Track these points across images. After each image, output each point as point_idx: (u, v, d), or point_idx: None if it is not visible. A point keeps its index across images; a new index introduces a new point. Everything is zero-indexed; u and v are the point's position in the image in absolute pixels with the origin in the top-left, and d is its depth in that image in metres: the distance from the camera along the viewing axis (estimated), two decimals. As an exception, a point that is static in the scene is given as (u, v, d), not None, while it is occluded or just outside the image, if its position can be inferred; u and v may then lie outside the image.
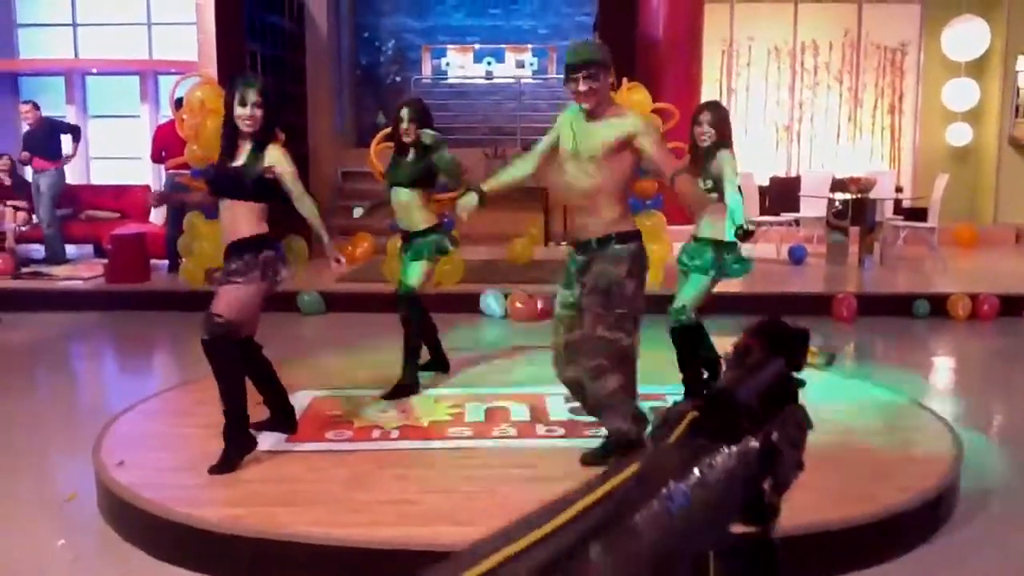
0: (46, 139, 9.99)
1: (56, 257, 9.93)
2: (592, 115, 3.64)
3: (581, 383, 3.77)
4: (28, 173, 10.44)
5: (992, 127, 12.62)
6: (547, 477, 3.70)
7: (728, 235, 4.30)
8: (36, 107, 10.06)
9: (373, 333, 6.92)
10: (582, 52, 3.61)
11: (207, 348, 3.81)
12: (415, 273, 4.96)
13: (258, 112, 3.81)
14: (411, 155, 4.96)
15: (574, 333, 3.73)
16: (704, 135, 4.53)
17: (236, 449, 3.81)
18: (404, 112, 4.93)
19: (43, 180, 9.91)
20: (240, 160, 3.86)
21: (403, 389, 4.82)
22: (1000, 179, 12.58)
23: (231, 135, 3.89)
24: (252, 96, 3.80)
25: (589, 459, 3.80)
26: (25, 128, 10.08)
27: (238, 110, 3.81)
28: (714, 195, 4.44)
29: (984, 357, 7.09)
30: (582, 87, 3.56)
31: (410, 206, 4.95)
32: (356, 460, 3.92)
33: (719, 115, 4.61)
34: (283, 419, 4.18)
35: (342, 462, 3.91)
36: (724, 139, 4.55)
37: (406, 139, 4.93)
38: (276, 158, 3.85)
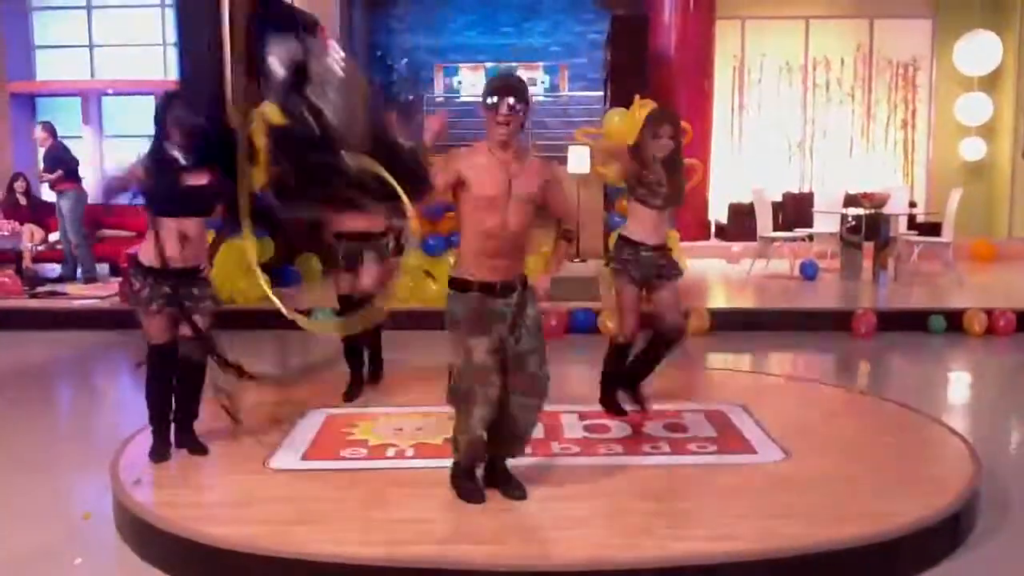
0: (65, 160, 10.06)
1: (89, 275, 9.98)
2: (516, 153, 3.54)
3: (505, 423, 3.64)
4: (44, 193, 10.53)
5: (1006, 141, 12.59)
6: (563, 495, 3.70)
7: None
8: (50, 132, 10.11)
9: (387, 350, 6.93)
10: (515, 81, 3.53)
11: (201, 369, 4.22)
12: None
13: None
14: None
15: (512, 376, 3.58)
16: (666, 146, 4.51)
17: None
18: None
19: (64, 201, 9.97)
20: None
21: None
22: (1015, 193, 12.54)
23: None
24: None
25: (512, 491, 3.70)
26: (41, 151, 10.12)
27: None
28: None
29: (1001, 373, 7.04)
30: (508, 113, 3.42)
31: None
32: (372, 478, 3.92)
33: (678, 127, 4.60)
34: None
35: (358, 480, 3.91)
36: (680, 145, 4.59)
37: None
38: None
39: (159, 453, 4.16)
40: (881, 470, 3.99)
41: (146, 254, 4.07)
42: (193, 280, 4.11)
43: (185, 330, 4.14)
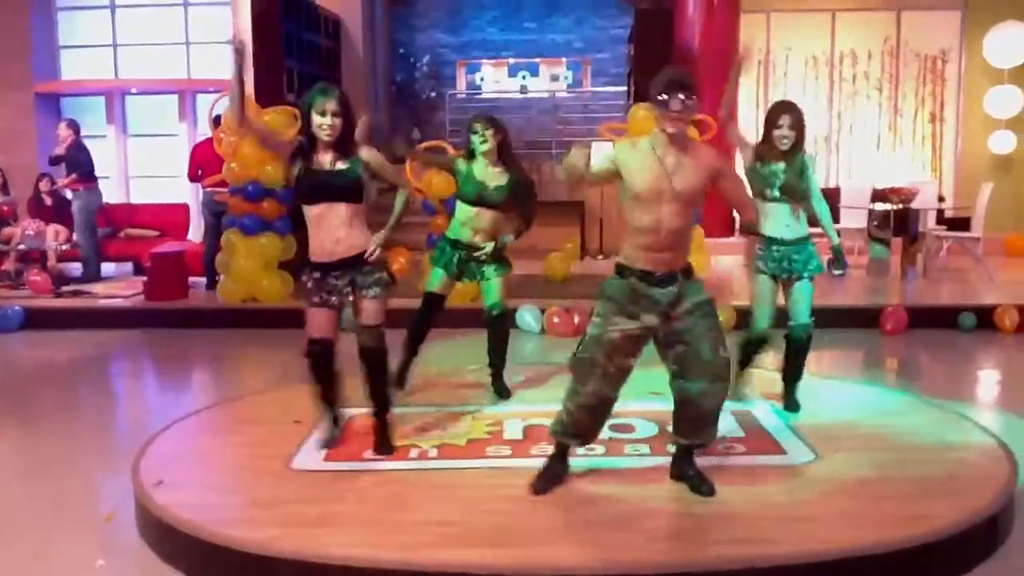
0: (81, 160, 10.08)
1: (91, 276, 10.02)
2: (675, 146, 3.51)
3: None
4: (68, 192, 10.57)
5: (1037, 135, 12.38)
6: (588, 498, 3.64)
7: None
8: (74, 130, 10.13)
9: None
10: (684, 76, 3.50)
11: (378, 356, 4.10)
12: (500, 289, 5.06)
13: (337, 121, 3.87)
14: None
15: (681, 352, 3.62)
16: (784, 138, 4.52)
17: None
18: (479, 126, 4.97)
19: (76, 201, 10.02)
20: (336, 166, 3.93)
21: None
22: (1046, 187, 12.33)
23: (310, 145, 3.94)
24: (331, 105, 3.86)
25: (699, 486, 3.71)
26: (61, 149, 10.11)
27: (316, 119, 3.86)
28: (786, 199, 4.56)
29: (1034, 370, 6.91)
30: (679, 107, 3.40)
31: (497, 221, 4.96)
32: (395, 480, 3.88)
33: (797, 116, 4.56)
34: None
35: (381, 482, 3.86)
36: (802, 143, 4.57)
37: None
38: (370, 155, 3.96)
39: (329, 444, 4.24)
40: (914, 471, 3.89)
41: (310, 249, 4.04)
42: (356, 268, 3.99)
43: (358, 319, 4.07)
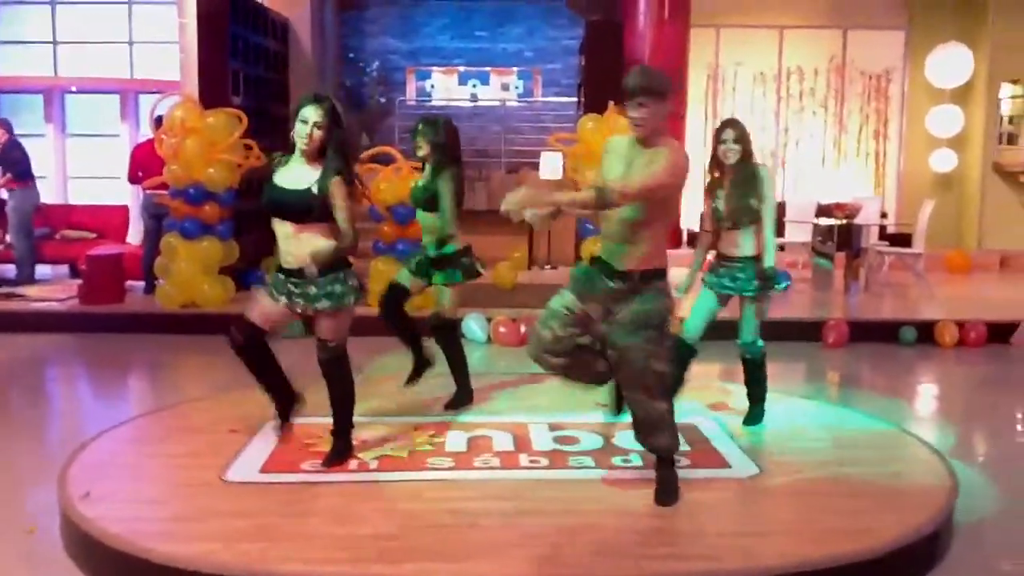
0: (15, 159, 9.78)
1: (25, 278, 9.71)
2: (643, 143, 3.55)
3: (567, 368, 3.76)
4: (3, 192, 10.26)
5: (976, 153, 12.66)
6: (531, 510, 3.57)
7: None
8: (6, 128, 9.84)
9: (352, 357, 6.79)
10: (637, 78, 3.50)
11: (329, 369, 4.05)
12: (450, 298, 4.97)
13: (317, 133, 3.80)
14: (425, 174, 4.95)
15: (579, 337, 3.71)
16: (729, 151, 4.52)
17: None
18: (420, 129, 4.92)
19: (11, 200, 9.72)
20: (296, 178, 3.85)
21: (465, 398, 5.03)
22: (984, 205, 12.60)
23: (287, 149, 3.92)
24: (315, 115, 3.78)
25: (662, 499, 3.67)
26: None
27: (298, 125, 3.81)
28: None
29: (972, 385, 7.01)
30: (637, 112, 3.47)
31: (434, 224, 4.87)
32: (334, 492, 3.77)
33: (740, 130, 4.56)
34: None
35: (319, 494, 3.76)
36: (749, 156, 4.56)
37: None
38: (335, 193, 3.82)
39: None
40: (856, 486, 3.90)
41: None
42: (309, 280, 3.90)
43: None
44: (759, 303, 4.69)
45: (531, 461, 4.12)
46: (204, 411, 5.00)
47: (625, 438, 4.43)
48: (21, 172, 9.73)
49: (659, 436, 3.69)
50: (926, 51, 12.48)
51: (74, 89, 12.77)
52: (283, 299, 3.96)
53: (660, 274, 3.63)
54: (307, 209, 3.82)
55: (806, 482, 3.92)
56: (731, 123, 4.59)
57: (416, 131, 4.94)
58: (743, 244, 4.62)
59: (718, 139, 4.57)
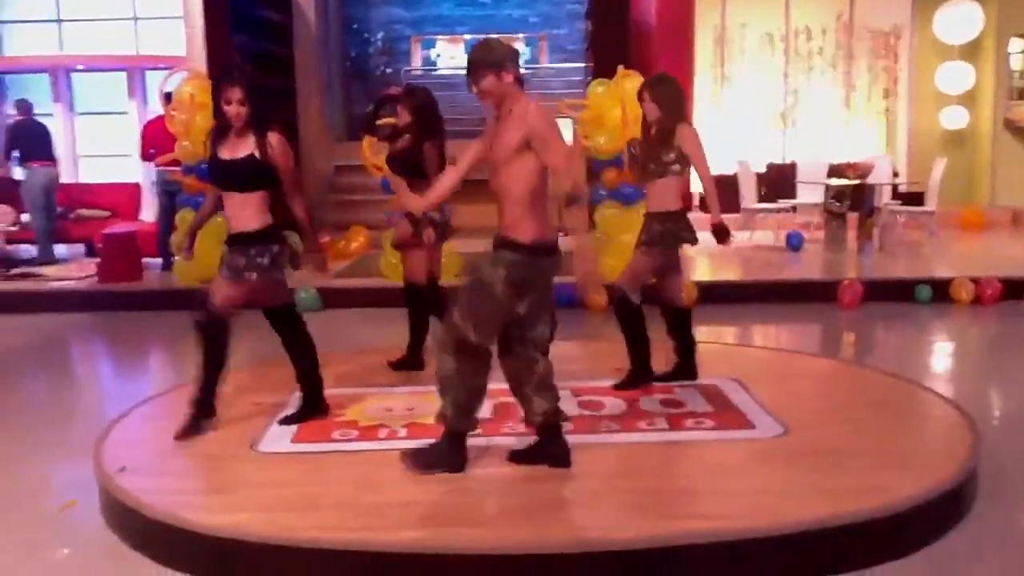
0: (36, 138, 9.82)
1: (44, 257, 9.77)
2: (499, 115, 3.55)
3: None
4: (16, 173, 10.30)
5: (987, 110, 12.59)
6: (557, 475, 3.62)
7: None
8: (24, 109, 9.87)
9: (372, 329, 6.85)
10: (471, 54, 3.55)
11: (201, 330, 4.13)
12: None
13: (243, 109, 3.99)
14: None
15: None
16: (649, 110, 4.59)
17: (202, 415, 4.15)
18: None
19: (29, 177, 9.74)
20: (241, 152, 4.02)
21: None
22: (996, 162, 12.56)
23: (222, 129, 4.08)
24: (236, 94, 3.97)
25: (409, 459, 3.66)
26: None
27: (225, 108, 4.00)
28: (676, 167, 4.55)
29: (991, 341, 7.04)
30: (473, 89, 3.52)
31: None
32: (363, 461, 3.83)
33: (661, 90, 4.58)
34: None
35: (348, 463, 3.81)
36: (673, 113, 4.55)
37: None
38: (277, 150, 4.03)
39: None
40: (879, 443, 3.93)
41: None
42: (245, 245, 4.09)
43: None
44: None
45: (557, 426, 4.16)
46: (229, 385, 5.03)
47: (649, 402, 4.48)
48: (39, 150, 9.75)
49: (442, 397, 3.61)
50: (934, 7, 12.38)
51: (80, 67, 12.74)
52: (227, 272, 4.09)
53: (511, 245, 3.48)
54: (247, 178, 4.01)
55: (831, 440, 3.95)
56: (649, 82, 4.66)
57: (398, 100, 5.13)
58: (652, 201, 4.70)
59: (639, 98, 4.65)
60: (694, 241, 4.65)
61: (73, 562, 3.44)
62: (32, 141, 9.78)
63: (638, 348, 4.72)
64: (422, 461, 3.61)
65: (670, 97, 4.58)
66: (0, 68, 12.68)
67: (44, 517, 3.80)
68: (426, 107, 5.05)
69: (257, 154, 4.00)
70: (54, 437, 4.88)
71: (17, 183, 10.10)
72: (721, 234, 4.62)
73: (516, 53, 3.59)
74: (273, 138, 4.02)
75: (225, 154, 4.06)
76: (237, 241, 4.06)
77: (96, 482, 3.76)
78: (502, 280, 3.47)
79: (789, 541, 3.14)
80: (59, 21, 12.97)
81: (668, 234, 4.59)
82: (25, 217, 10.14)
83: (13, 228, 10.03)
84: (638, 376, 4.72)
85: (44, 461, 4.52)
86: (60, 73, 12.66)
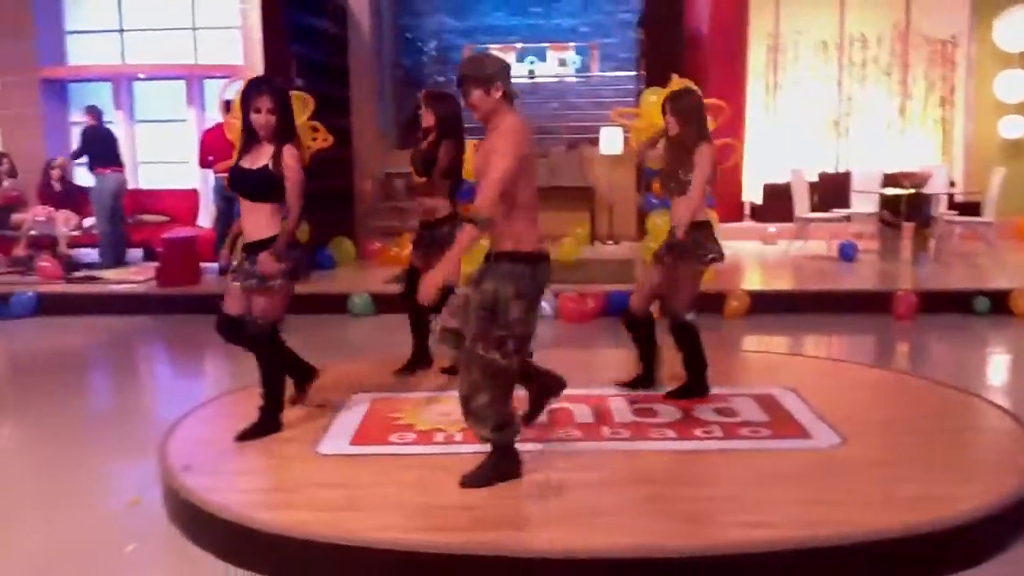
0: (107, 144, 10.09)
1: (107, 262, 10.00)
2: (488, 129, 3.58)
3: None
4: (76, 176, 10.58)
5: (1047, 119, 12.34)
6: (615, 480, 3.64)
7: None
8: (94, 115, 10.15)
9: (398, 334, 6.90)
10: (462, 68, 3.57)
11: (252, 345, 4.21)
12: None
13: (271, 118, 4.02)
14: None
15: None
16: (669, 125, 4.58)
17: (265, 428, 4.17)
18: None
19: (97, 183, 9.99)
20: (261, 162, 4.06)
21: None
22: (1056, 172, 12.28)
23: (248, 139, 4.13)
24: (265, 103, 4.00)
25: (468, 480, 3.62)
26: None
27: (253, 116, 4.03)
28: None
29: (1050, 354, 6.92)
30: (463, 102, 3.57)
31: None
32: (422, 464, 3.88)
33: (679, 104, 4.56)
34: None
35: (406, 466, 3.86)
36: (693, 128, 4.51)
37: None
38: (288, 164, 4.04)
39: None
40: (939, 454, 3.89)
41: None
42: (250, 256, 4.15)
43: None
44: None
45: (613, 433, 4.19)
46: (288, 388, 5.13)
47: (703, 411, 4.48)
48: (109, 156, 10.02)
49: (474, 422, 3.58)
50: (993, 14, 12.17)
51: (141, 76, 13.03)
52: (238, 278, 4.16)
53: (511, 256, 3.51)
54: (264, 188, 4.05)
55: (889, 451, 3.92)
56: (668, 97, 4.64)
57: (422, 103, 5.10)
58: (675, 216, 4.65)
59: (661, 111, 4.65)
60: (715, 257, 4.57)
61: (139, 557, 3.54)
62: (103, 146, 10.06)
63: (695, 362, 4.69)
64: (482, 481, 3.61)
65: (689, 111, 4.55)
66: (65, 77, 13.00)
67: (111, 513, 3.91)
68: (449, 112, 5.00)
69: (271, 165, 4.03)
70: (117, 436, 5.01)
71: (80, 188, 10.35)
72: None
73: (507, 68, 3.60)
74: (287, 152, 4.03)
75: (246, 163, 4.11)
76: (251, 249, 4.13)
77: (160, 480, 3.86)
78: (514, 297, 3.48)
79: (844, 551, 3.13)
80: (121, 31, 13.28)
81: (690, 246, 4.54)
82: (88, 221, 10.39)
83: (76, 232, 10.29)
84: (692, 389, 4.70)
85: (109, 459, 4.65)
86: (122, 82, 12.96)
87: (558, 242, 9.69)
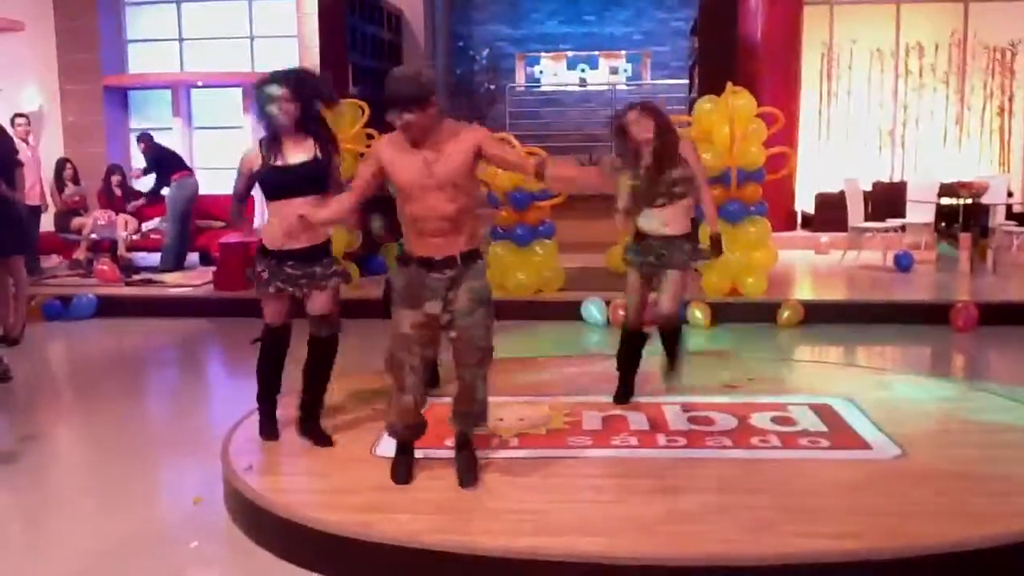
0: (173, 157, 10.40)
1: (167, 265, 10.19)
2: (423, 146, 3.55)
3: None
4: (143, 185, 10.88)
5: (1109, 128, 12.08)
6: (674, 488, 3.64)
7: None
8: (146, 140, 10.47)
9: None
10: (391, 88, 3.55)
11: (331, 344, 4.27)
12: None
13: (290, 106, 3.91)
14: None
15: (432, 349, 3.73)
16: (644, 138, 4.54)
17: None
18: None
19: (171, 189, 10.26)
20: (299, 157, 3.97)
21: None
22: (1119, 183, 12.02)
23: (274, 136, 4.01)
24: (276, 91, 3.89)
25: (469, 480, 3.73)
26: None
27: (271, 109, 3.92)
28: (678, 189, 4.53)
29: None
30: (397, 121, 3.50)
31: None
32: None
33: (658, 115, 4.57)
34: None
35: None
36: (669, 135, 4.53)
37: None
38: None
39: (266, 432, 4.29)
40: (1003, 467, 3.83)
41: (267, 237, 4.10)
42: (315, 259, 4.11)
43: (311, 309, 4.18)
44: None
45: (669, 440, 4.18)
46: (341, 391, 5.19)
47: (761, 419, 4.45)
48: (179, 165, 10.33)
49: (480, 416, 3.78)
50: (1055, 22, 11.96)
51: (199, 84, 13.27)
52: (288, 288, 4.14)
53: (478, 254, 3.67)
54: (319, 179, 3.98)
55: (951, 463, 3.87)
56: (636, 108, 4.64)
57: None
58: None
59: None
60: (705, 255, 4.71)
61: (201, 555, 3.60)
62: (170, 159, 10.39)
63: (680, 358, 4.73)
64: (476, 473, 3.77)
65: (664, 119, 4.55)
66: (126, 85, 13.28)
67: (173, 512, 3.99)
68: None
69: (320, 155, 3.98)
70: (178, 436, 5.11)
71: (139, 195, 10.62)
72: (717, 245, 4.70)
73: (434, 84, 3.62)
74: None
75: (280, 161, 3.98)
76: (305, 256, 4.09)
77: (222, 479, 3.93)
78: (490, 285, 3.71)
79: (913, 563, 3.09)
80: (180, 40, 13.54)
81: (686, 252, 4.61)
82: (147, 225, 10.60)
83: (135, 236, 10.50)
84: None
85: (170, 459, 4.74)
86: (180, 89, 13.21)
87: (608, 250, 9.67)
